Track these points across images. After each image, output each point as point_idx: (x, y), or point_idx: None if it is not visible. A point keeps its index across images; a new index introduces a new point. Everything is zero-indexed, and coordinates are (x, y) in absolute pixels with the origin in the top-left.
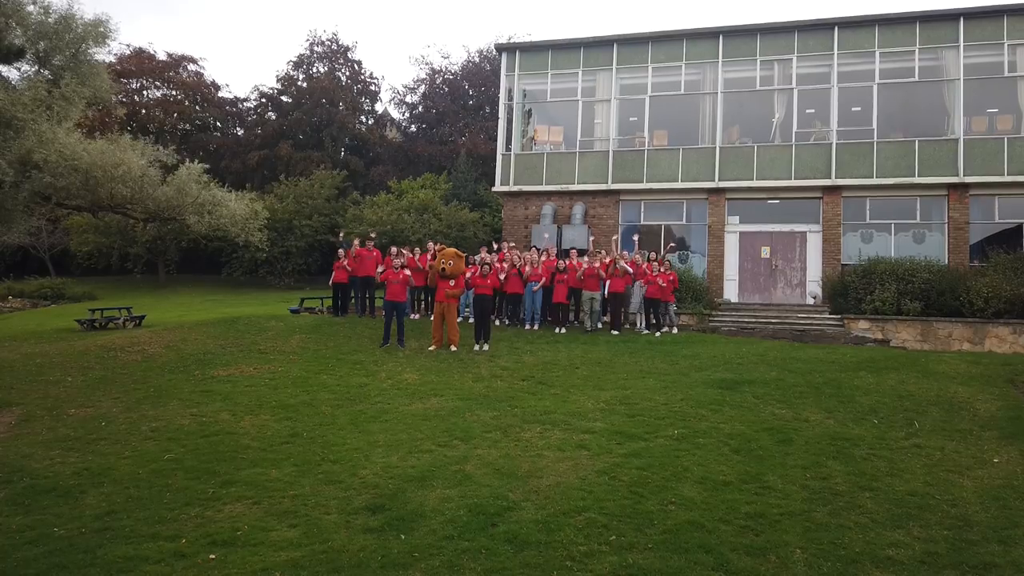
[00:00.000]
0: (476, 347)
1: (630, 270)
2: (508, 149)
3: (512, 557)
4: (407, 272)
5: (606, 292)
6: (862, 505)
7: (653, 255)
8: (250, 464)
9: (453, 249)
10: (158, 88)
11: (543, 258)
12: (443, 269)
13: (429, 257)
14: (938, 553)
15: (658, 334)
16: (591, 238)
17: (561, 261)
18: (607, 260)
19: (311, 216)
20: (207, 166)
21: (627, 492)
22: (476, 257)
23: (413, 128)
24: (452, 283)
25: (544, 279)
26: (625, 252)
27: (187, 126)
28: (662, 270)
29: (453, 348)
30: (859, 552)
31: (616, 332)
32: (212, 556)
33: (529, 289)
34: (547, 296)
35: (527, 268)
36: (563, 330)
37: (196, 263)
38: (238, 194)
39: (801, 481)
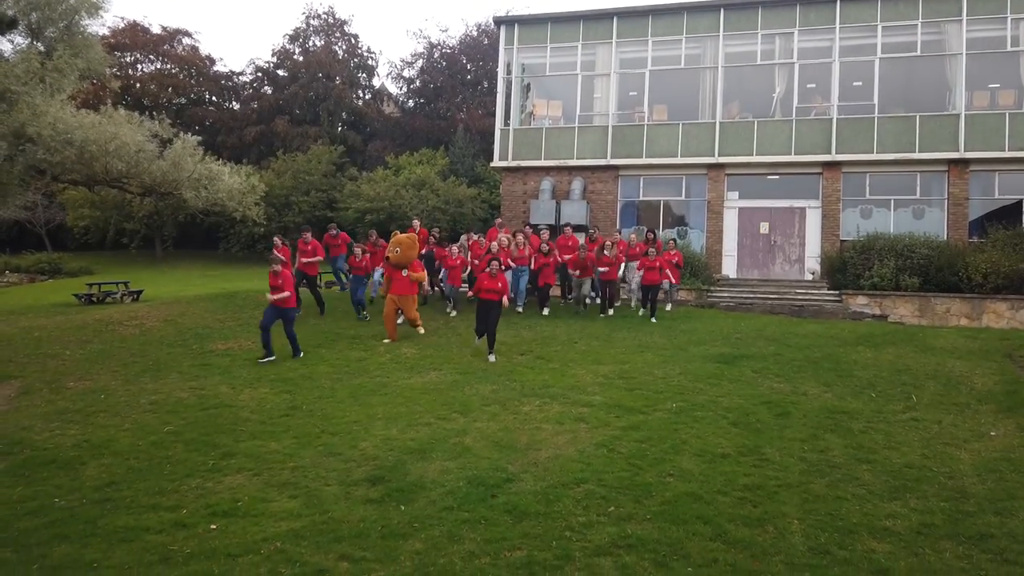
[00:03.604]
0: (489, 355)
1: (613, 261)
2: (507, 124)
3: (512, 527)
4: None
5: (597, 278)
6: (859, 477)
7: (650, 235)
8: (250, 436)
9: (406, 235)
10: (152, 62)
11: (523, 239)
12: (387, 257)
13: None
14: (935, 524)
15: (653, 320)
16: (590, 215)
17: (544, 244)
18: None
19: (308, 192)
20: (201, 138)
21: (625, 464)
22: (461, 238)
23: (411, 103)
24: (405, 273)
25: (530, 263)
26: (621, 233)
27: (182, 100)
28: (656, 252)
29: (420, 331)
30: (856, 523)
31: (606, 315)
32: (213, 526)
33: (515, 274)
34: (533, 276)
35: (511, 251)
36: (547, 311)
37: (193, 238)
38: (234, 167)
39: (799, 454)
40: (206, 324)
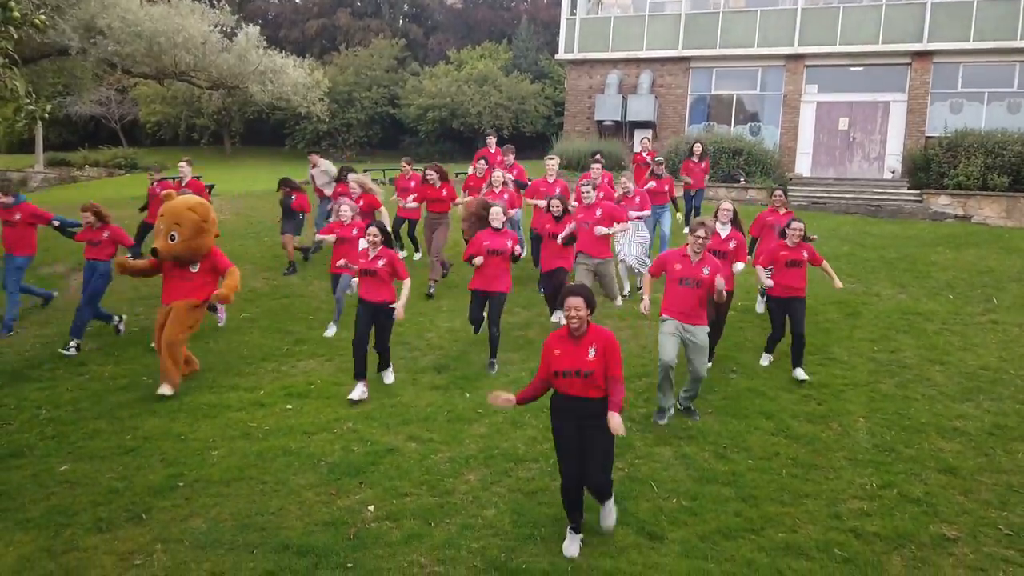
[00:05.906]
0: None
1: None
2: (573, 13)
3: None
4: None
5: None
6: (931, 378)
7: (697, 148)
8: (320, 325)
9: (196, 198)
10: None
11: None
12: (154, 250)
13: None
14: (1008, 426)
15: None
16: (657, 110)
17: (555, 199)
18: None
19: (371, 88)
20: (264, 32)
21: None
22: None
23: None
24: (194, 269)
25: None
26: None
27: None
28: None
29: (195, 367)
30: (924, 423)
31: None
32: (289, 406)
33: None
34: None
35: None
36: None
37: (260, 135)
38: (297, 61)
39: (868, 354)
40: (275, 217)
